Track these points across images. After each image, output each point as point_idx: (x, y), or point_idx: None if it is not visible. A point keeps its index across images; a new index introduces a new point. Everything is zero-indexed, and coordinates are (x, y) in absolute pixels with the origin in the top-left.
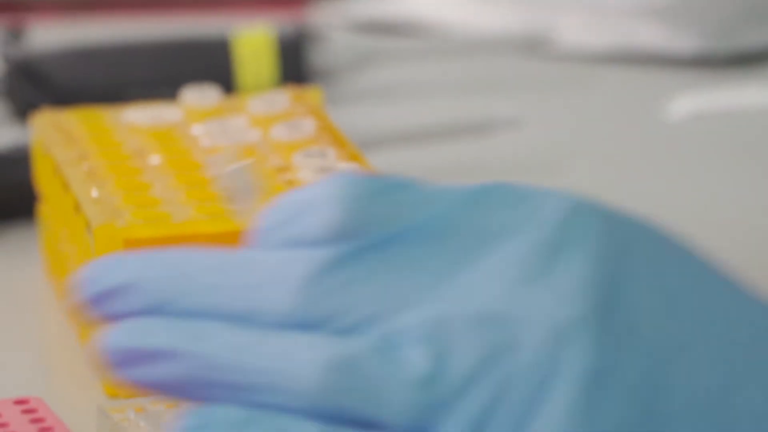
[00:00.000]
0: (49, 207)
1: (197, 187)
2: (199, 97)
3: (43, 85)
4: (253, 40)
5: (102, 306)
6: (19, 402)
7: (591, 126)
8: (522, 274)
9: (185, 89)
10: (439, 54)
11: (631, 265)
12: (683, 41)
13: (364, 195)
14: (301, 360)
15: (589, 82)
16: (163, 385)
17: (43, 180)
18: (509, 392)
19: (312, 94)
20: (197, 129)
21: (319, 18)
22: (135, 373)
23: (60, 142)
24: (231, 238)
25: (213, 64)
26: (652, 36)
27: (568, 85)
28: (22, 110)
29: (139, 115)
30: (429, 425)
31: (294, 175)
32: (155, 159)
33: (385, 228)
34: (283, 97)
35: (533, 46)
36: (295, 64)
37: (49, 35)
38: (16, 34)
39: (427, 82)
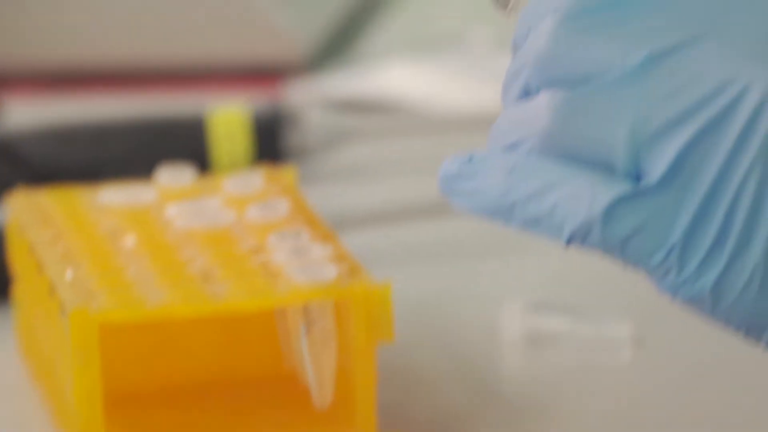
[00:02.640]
0: (23, 288)
1: (171, 268)
2: (173, 177)
3: (19, 165)
4: (228, 119)
5: None
6: None
7: None
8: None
9: (160, 169)
10: (415, 132)
11: None
12: None
13: None
14: (537, 104)
15: None
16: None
17: (17, 261)
18: (718, 128)
19: (286, 173)
20: (172, 210)
21: (293, 96)
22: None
23: (35, 222)
24: (205, 322)
25: (188, 143)
26: None
27: None
28: None
29: (114, 196)
30: (643, 161)
31: (268, 257)
32: (130, 240)
33: None
34: (258, 177)
35: None
36: (270, 143)
37: (25, 113)
38: None
39: (403, 160)
